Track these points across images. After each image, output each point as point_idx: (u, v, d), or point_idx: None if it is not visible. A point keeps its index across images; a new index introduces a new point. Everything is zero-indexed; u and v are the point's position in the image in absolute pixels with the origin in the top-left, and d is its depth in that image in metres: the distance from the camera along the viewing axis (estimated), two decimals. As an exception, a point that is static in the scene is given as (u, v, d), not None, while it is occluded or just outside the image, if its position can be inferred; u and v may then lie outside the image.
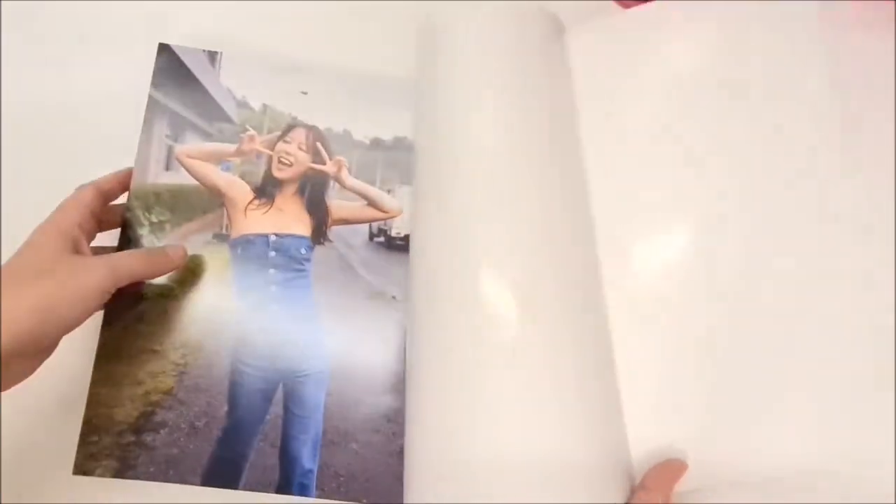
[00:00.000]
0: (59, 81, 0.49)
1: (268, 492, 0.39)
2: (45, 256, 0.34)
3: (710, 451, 0.41)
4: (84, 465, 0.38)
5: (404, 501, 0.39)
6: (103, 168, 0.46)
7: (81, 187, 0.39)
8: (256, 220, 0.44)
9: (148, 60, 0.47)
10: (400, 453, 0.40)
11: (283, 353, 0.41)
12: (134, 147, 0.45)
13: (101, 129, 0.48)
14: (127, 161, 0.45)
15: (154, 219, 0.42)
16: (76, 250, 0.35)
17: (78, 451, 0.38)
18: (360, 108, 0.47)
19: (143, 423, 0.39)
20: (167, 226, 0.43)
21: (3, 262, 0.44)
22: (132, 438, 0.39)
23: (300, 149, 0.46)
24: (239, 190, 0.44)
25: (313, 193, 0.45)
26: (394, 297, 0.44)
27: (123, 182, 0.41)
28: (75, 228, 0.36)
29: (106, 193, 0.40)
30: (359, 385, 0.41)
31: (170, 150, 0.44)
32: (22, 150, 0.47)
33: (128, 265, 0.37)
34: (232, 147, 0.45)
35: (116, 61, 0.49)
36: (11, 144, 0.47)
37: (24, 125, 0.48)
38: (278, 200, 0.45)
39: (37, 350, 0.34)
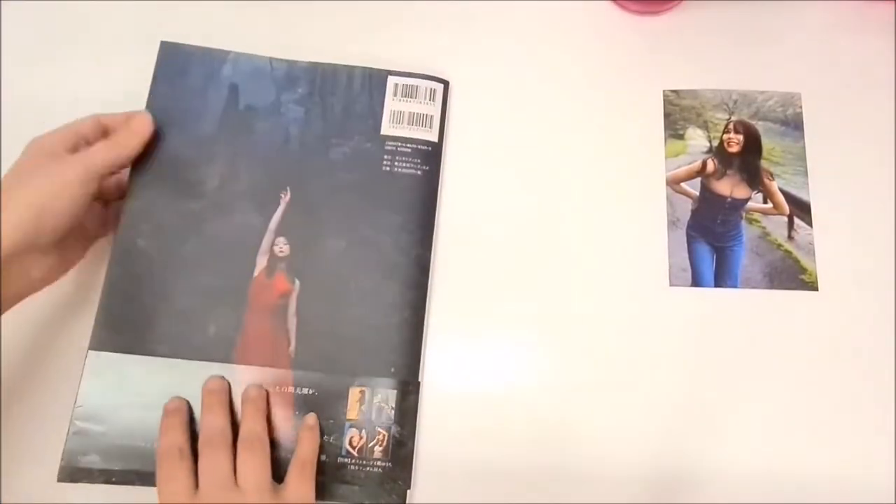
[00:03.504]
0: (59, 82, 0.49)
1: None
2: (35, 162, 0.39)
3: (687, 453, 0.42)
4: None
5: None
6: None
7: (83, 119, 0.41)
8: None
9: (147, 61, 0.47)
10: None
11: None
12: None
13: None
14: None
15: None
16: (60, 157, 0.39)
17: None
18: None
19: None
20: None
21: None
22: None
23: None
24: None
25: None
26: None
27: (136, 133, 0.43)
28: (58, 144, 0.39)
29: (105, 128, 0.42)
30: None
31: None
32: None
33: (96, 153, 0.40)
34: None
35: (116, 61, 0.49)
36: (11, 144, 0.47)
37: (23, 125, 0.48)
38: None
39: (39, 246, 0.38)
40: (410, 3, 0.51)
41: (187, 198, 0.44)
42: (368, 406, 0.41)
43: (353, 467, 0.41)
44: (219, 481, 0.37)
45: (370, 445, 0.41)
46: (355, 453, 0.41)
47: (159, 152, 0.44)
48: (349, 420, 0.41)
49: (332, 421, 0.41)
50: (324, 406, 0.42)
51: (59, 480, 0.39)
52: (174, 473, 0.37)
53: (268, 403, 0.41)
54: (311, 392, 0.42)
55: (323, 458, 0.41)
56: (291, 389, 0.42)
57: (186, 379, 0.41)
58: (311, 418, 0.41)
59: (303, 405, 0.41)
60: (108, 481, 0.39)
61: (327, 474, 0.41)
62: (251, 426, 0.39)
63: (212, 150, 0.45)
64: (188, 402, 0.40)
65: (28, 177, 0.38)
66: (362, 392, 0.42)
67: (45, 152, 0.39)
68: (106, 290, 0.42)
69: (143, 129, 0.43)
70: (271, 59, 0.48)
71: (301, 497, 0.38)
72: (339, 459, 0.41)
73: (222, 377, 0.41)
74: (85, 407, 0.40)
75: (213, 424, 0.39)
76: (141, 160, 0.43)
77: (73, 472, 0.39)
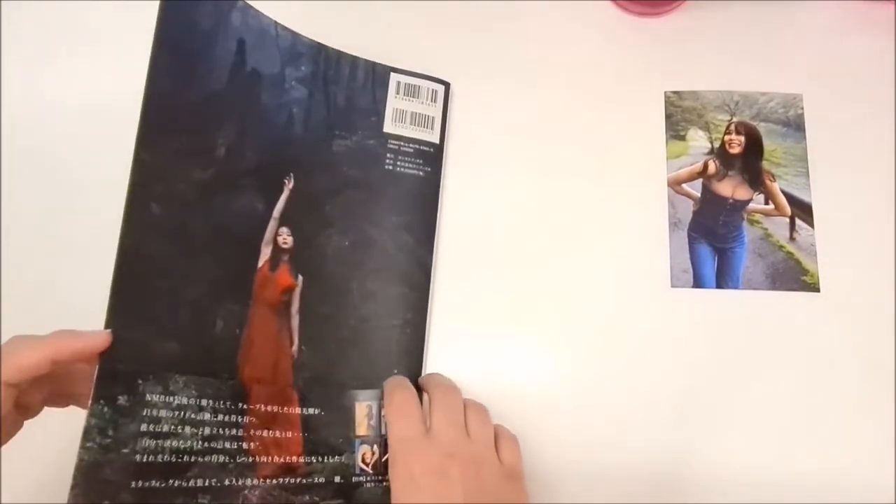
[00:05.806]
0: (59, 82, 0.49)
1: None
2: None
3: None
4: None
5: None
6: (100, 167, 0.46)
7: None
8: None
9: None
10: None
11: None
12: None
13: (101, 130, 0.47)
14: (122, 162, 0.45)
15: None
16: None
17: None
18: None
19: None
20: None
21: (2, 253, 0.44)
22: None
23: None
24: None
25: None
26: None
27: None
28: None
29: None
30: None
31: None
32: (21, 150, 0.47)
33: None
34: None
35: (117, 62, 0.49)
36: (10, 143, 0.47)
37: (23, 125, 0.48)
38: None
39: None
40: (411, 3, 0.51)
41: (196, 164, 0.39)
42: (376, 420, 0.41)
43: (369, 484, 0.39)
44: (454, 422, 0.37)
45: (383, 460, 0.40)
46: (369, 470, 0.40)
47: (170, 97, 0.38)
48: (359, 437, 0.40)
49: (341, 440, 0.40)
50: (332, 425, 0.40)
51: None
52: (406, 408, 0.38)
53: (280, 425, 0.39)
54: (317, 412, 0.40)
55: (337, 479, 0.39)
56: (297, 410, 0.40)
57: (202, 402, 0.36)
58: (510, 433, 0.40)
59: (310, 426, 0.40)
60: None
61: (345, 496, 0.39)
62: (477, 404, 0.40)
63: (219, 111, 0.41)
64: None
65: None
66: (369, 407, 0.41)
67: None
68: (118, 275, 0.34)
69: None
70: (276, 24, 0.45)
71: (518, 470, 0.38)
72: (354, 479, 0.39)
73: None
74: (94, 432, 0.33)
75: (440, 378, 0.41)
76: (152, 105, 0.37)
77: None
